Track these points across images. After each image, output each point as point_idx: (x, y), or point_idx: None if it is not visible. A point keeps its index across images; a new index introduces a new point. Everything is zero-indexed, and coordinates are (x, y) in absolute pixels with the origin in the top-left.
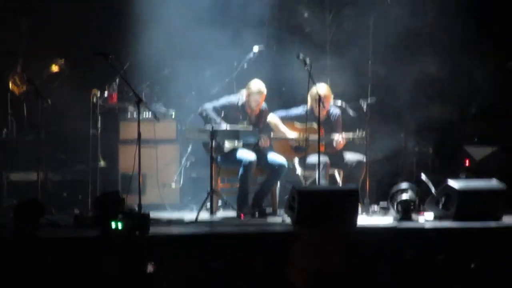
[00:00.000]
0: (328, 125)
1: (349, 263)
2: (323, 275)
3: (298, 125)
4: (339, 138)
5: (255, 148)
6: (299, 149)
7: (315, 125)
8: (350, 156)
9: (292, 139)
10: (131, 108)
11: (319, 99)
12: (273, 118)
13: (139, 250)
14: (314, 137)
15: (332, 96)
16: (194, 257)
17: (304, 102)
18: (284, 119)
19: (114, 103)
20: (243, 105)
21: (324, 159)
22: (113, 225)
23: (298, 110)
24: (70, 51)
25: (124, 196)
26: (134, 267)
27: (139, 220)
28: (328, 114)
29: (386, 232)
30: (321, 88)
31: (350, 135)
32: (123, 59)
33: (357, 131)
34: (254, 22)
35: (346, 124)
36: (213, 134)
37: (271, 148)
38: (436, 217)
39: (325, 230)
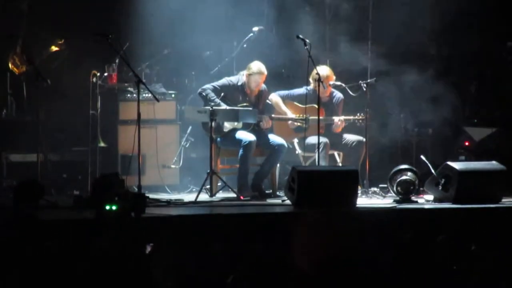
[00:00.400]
0: (329, 107)
1: (350, 244)
2: (325, 257)
3: (299, 105)
4: (338, 121)
5: (255, 128)
6: (299, 130)
7: (317, 106)
8: (350, 137)
9: (292, 119)
10: (130, 88)
11: (319, 80)
12: (274, 97)
13: (135, 230)
14: (314, 117)
15: (334, 78)
16: (193, 238)
17: (304, 83)
18: (286, 99)
19: (113, 83)
20: (242, 86)
21: (324, 140)
22: (107, 207)
23: (300, 91)
24: (70, 31)
25: (123, 177)
26: (131, 248)
27: (135, 201)
28: (331, 97)
29: (386, 213)
30: (323, 70)
31: (350, 117)
32: (122, 39)
33: (358, 114)
34: (254, 2)
35: (347, 106)
36: (213, 114)
37: (271, 129)
38: (436, 199)
39: (324, 210)
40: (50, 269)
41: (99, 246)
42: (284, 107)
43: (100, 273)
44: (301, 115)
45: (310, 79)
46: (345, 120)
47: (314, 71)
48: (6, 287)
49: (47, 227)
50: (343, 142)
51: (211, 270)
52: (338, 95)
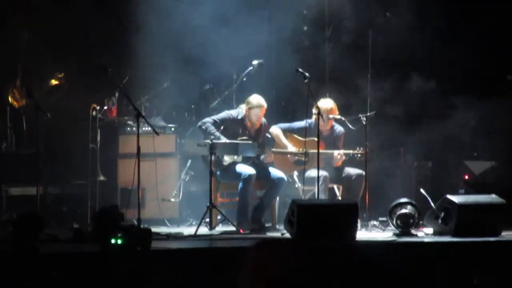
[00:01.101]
0: (330, 140)
1: (349, 277)
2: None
3: (300, 138)
4: (338, 155)
5: (255, 162)
6: (299, 163)
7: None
8: (350, 171)
9: (292, 152)
10: (130, 122)
11: (318, 113)
12: (275, 129)
13: (141, 264)
14: (314, 151)
15: (337, 112)
16: (193, 271)
17: (304, 116)
18: (287, 131)
19: (113, 117)
20: (242, 120)
21: (324, 173)
22: (113, 241)
23: (301, 124)
24: (69, 65)
25: (123, 211)
26: (136, 281)
27: (141, 236)
28: (332, 130)
29: (386, 246)
30: (326, 103)
31: (349, 151)
32: (122, 73)
33: (357, 148)
34: (253, 36)
35: (346, 139)
36: (212, 147)
37: (271, 162)
38: (435, 232)
39: (324, 243)
40: None
41: (106, 279)
42: (284, 140)
43: None
44: (301, 149)
45: (313, 110)
46: (344, 154)
47: (318, 104)
48: None
49: (49, 260)
50: (343, 175)
51: None
52: (339, 128)
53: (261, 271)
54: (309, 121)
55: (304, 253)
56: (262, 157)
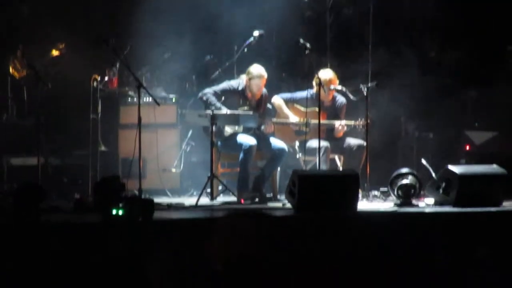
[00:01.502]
0: (332, 111)
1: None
2: (242, 258)
3: (301, 108)
4: (339, 126)
5: (256, 132)
6: (300, 133)
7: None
8: (351, 141)
9: (293, 123)
10: (131, 92)
11: (320, 84)
12: (277, 99)
13: (142, 234)
14: (316, 121)
15: (337, 81)
16: (194, 241)
17: (305, 87)
18: (288, 102)
19: (114, 87)
20: (243, 90)
21: (325, 144)
22: (114, 211)
23: (303, 94)
24: (70, 35)
25: (124, 181)
26: (137, 251)
27: (142, 206)
28: (334, 101)
29: (387, 216)
30: (326, 73)
31: (351, 122)
32: (123, 43)
33: (359, 119)
34: (254, 6)
35: (347, 110)
36: (213, 118)
37: (272, 133)
38: (437, 202)
39: (325, 214)
40: (54, 271)
41: (107, 250)
42: (286, 110)
43: (106, 276)
44: (302, 119)
45: (314, 83)
46: (346, 125)
47: (319, 74)
48: None
49: (49, 230)
50: (344, 146)
51: (211, 274)
52: (341, 99)
53: (229, 244)
54: (311, 91)
55: (268, 228)
56: (262, 127)
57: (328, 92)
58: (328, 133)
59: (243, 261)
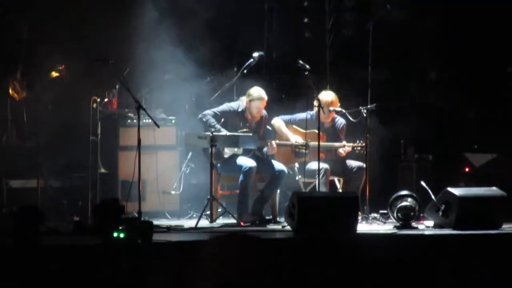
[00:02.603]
0: (332, 132)
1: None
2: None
3: (301, 130)
4: (343, 151)
5: (256, 154)
6: (300, 154)
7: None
8: (351, 163)
9: (293, 145)
10: (131, 114)
11: (319, 106)
12: (277, 121)
13: (141, 257)
14: (315, 143)
15: (338, 104)
16: (194, 264)
17: (305, 108)
18: (288, 123)
19: (114, 109)
20: (243, 112)
21: (324, 166)
22: (115, 234)
23: (303, 115)
24: (70, 57)
25: (123, 203)
26: (135, 274)
27: (142, 228)
28: (333, 122)
29: (386, 239)
30: (328, 95)
31: (350, 145)
32: (123, 65)
33: (358, 141)
34: (253, 28)
35: (347, 132)
36: (213, 140)
37: (273, 154)
38: (436, 225)
39: (325, 236)
40: None
41: (107, 272)
42: (286, 130)
43: None
44: (302, 140)
45: (314, 103)
46: (347, 146)
47: (319, 96)
48: None
49: (49, 252)
50: (344, 168)
51: None
52: (341, 120)
53: (214, 270)
54: (311, 112)
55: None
56: (264, 149)
57: (328, 113)
58: (328, 155)
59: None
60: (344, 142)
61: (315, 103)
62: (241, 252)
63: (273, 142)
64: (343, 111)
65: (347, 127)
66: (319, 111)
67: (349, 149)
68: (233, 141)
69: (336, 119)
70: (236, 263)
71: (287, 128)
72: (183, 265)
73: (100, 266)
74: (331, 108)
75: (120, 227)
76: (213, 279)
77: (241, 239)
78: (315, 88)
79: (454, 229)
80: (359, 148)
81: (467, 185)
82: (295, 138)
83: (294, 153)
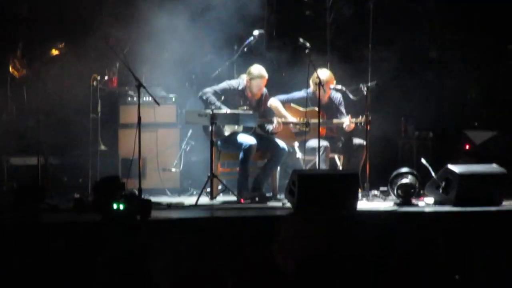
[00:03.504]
0: (330, 109)
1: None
2: (309, 257)
3: (299, 108)
4: (346, 126)
5: (256, 132)
6: (300, 134)
7: (317, 109)
8: (351, 141)
9: (293, 123)
10: (131, 92)
11: (320, 84)
12: (274, 102)
13: (140, 233)
14: (315, 120)
15: (334, 81)
16: (193, 241)
17: (305, 86)
18: (285, 103)
19: (114, 87)
20: (243, 90)
21: (324, 143)
22: (115, 206)
23: (300, 94)
24: (70, 35)
25: (124, 181)
26: (134, 250)
27: (141, 205)
28: (330, 99)
29: (386, 216)
30: (323, 73)
31: (353, 120)
32: (123, 43)
33: (361, 117)
34: (254, 6)
35: (347, 110)
36: (213, 118)
37: (277, 132)
38: (436, 202)
39: (325, 214)
40: (54, 270)
41: (106, 249)
42: (284, 111)
43: (105, 275)
44: (302, 119)
45: (310, 82)
46: (350, 122)
47: (315, 74)
48: None
49: (49, 229)
50: (344, 145)
51: (211, 273)
52: (337, 95)
53: (297, 245)
54: (308, 90)
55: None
56: (270, 127)
57: (326, 91)
58: (328, 132)
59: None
60: (349, 117)
61: (311, 81)
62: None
63: (279, 119)
64: (343, 88)
65: (347, 104)
66: (319, 89)
67: (353, 125)
68: (234, 119)
69: (332, 95)
70: (319, 238)
71: (285, 108)
72: (183, 242)
73: (101, 243)
74: (332, 86)
75: (120, 200)
76: (295, 255)
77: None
78: (315, 66)
79: (454, 206)
80: (362, 123)
81: (467, 162)
82: (294, 119)
83: (294, 131)
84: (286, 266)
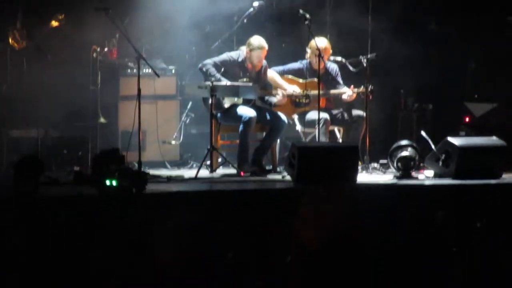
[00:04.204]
0: (327, 79)
1: (350, 220)
2: (330, 233)
3: (298, 80)
4: (348, 96)
5: (255, 104)
6: (300, 104)
7: (316, 80)
8: (351, 113)
9: (292, 95)
10: (131, 63)
11: (319, 55)
12: (270, 72)
13: (137, 206)
14: (315, 92)
15: (331, 50)
16: (193, 214)
17: (302, 57)
18: (282, 74)
19: (114, 58)
20: (243, 61)
21: (324, 115)
22: (107, 182)
23: (296, 65)
24: (70, 6)
25: (124, 153)
26: (133, 224)
27: (136, 178)
28: (326, 69)
29: (386, 189)
30: (321, 42)
31: (354, 90)
32: (123, 14)
33: (362, 87)
34: None
35: (348, 81)
36: (213, 90)
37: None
38: (436, 174)
39: (325, 186)
40: (52, 244)
41: (102, 222)
42: (281, 81)
43: (102, 248)
44: (302, 91)
45: (308, 49)
46: (352, 91)
47: (312, 42)
48: (9, 265)
49: (48, 203)
50: (344, 117)
51: (211, 246)
52: (332, 65)
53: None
54: (303, 61)
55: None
56: (275, 99)
57: (325, 61)
58: (328, 104)
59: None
60: (351, 87)
61: (308, 50)
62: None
63: (284, 92)
64: (343, 60)
65: (346, 76)
66: (319, 60)
67: (354, 95)
68: (233, 91)
69: (328, 65)
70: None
71: (284, 80)
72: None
73: (99, 217)
74: (331, 58)
75: (113, 176)
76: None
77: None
78: (314, 37)
79: (454, 178)
80: (363, 93)
81: (467, 134)
82: (292, 88)
83: (294, 103)
84: (312, 243)
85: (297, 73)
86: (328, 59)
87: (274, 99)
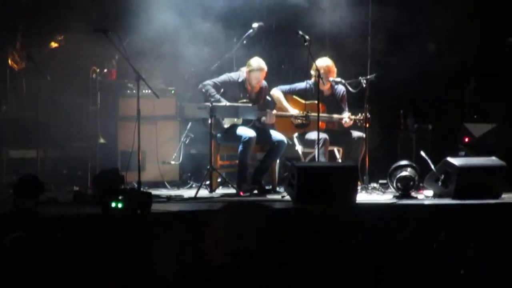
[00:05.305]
0: (332, 101)
1: (350, 240)
2: (240, 253)
3: (301, 100)
4: (344, 122)
5: (255, 124)
6: (301, 126)
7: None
8: (350, 134)
9: (293, 115)
10: (130, 84)
11: (319, 76)
12: (276, 92)
13: (140, 227)
14: (316, 114)
15: (335, 69)
16: (193, 233)
17: (304, 78)
18: (287, 93)
19: (113, 79)
20: (243, 82)
21: (324, 136)
22: (113, 204)
23: (302, 85)
24: (69, 27)
25: (123, 173)
26: (135, 243)
27: (141, 199)
28: (333, 91)
29: (386, 209)
30: (325, 61)
31: (352, 117)
32: (122, 35)
33: (360, 114)
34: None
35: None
36: (212, 110)
37: (272, 124)
38: (436, 195)
39: (324, 206)
40: (52, 263)
41: (106, 242)
42: (285, 103)
43: (105, 268)
44: (302, 112)
45: (312, 72)
46: (348, 119)
47: (317, 64)
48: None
49: (48, 222)
50: (343, 138)
51: (210, 265)
52: (340, 87)
53: (228, 238)
54: (309, 82)
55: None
56: (263, 119)
57: (326, 83)
58: (328, 125)
59: (242, 257)
60: (348, 114)
61: (313, 72)
62: (253, 221)
63: (272, 112)
64: (343, 81)
65: (348, 97)
66: (318, 81)
67: (351, 122)
68: (233, 112)
69: (335, 87)
70: (249, 232)
71: (287, 100)
72: (183, 235)
73: (100, 236)
74: (331, 79)
75: (119, 198)
76: (225, 249)
77: (251, 208)
78: (314, 58)
79: (453, 199)
80: (361, 120)
81: (466, 155)
82: (295, 111)
83: (294, 124)
84: (214, 258)
85: (302, 93)
86: (328, 81)
87: (263, 118)
